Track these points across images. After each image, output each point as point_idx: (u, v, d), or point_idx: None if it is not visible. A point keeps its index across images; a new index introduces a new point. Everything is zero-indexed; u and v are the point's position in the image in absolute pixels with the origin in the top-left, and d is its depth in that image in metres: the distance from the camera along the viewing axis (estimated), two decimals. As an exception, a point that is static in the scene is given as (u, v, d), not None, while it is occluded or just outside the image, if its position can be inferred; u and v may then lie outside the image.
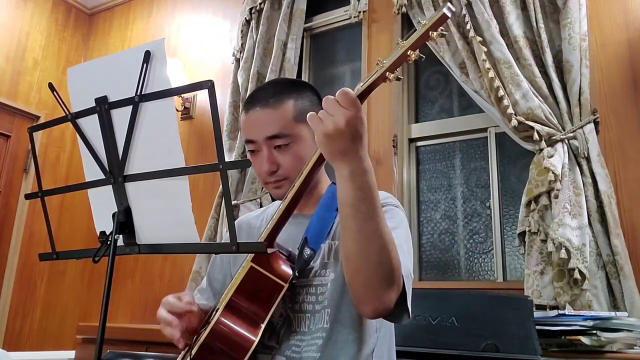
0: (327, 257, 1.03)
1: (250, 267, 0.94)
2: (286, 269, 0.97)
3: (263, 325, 0.93)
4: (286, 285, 0.95)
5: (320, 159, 0.92)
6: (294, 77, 2.62)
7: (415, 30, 0.83)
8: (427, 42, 0.87)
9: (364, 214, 0.83)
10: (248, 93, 2.66)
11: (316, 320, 0.99)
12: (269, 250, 0.96)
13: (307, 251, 1.00)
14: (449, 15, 0.80)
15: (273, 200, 1.61)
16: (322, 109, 0.83)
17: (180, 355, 1.03)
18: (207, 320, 0.97)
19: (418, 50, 0.82)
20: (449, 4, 0.80)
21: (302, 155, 1.05)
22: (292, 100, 1.08)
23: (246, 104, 1.13)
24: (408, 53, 0.82)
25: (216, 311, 0.95)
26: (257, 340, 0.91)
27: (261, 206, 2.44)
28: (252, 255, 0.97)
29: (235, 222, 1.25)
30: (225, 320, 0.92)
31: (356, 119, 0.81)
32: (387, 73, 0.83)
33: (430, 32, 0.81)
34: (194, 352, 0.91)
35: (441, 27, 0.81)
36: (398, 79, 0.83)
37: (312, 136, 0.98)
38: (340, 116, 0.80)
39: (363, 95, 0.85)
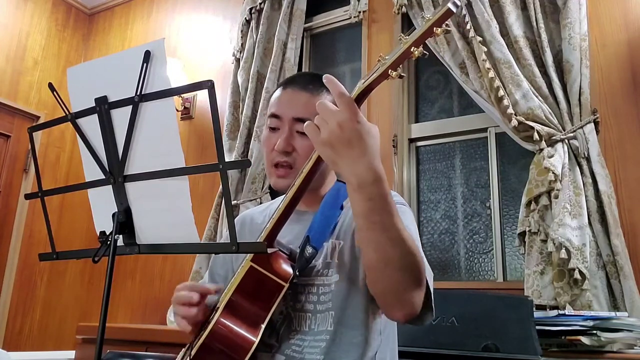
0: (330, 257, 1.02)
1: (250, 267, 0.93)
2: (287, 268, 0.95)
3: (263, 326, 0.92)
4: (287, 285, 0.94)
5: (320, 159, 0.89)
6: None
7: (419, 25, 0.80)
8: (427, 41, 0.84)
9: (378, 224, 0.79)
10: (248, 93, 2.67)
11: (319, 321, 0.98)
12: (269, 250, 0.95)
13: (309, 250, 0.99)
14: (454, 10, 0.75)
15: (273, 198, 1.61)
16: None
17: (179, 356, 1.03)
18: (207, 320, 0.96)
19: (421, 46, 0.78)
20: None
21: None
22: (328, 95, 1.06)
23: (284, 83, 1.12)
24: (411, 50, 0.78)
25: (216, 311, 0.94)
26: (257, 340, 0.90)
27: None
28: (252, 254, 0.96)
29: (239, 216, 1.24)
30: (225, 321, 0.91)
31: (351, 122, 0.76)
32: (390, 70, 0.79)
33: (435, 28, 0.77)
34: (193, 352, 0.90)
35: (446, 23, 0.77)
36: (401, 76, 0.79)
37: None
38: (333, 121, 0.77)
39: (364, 94, 0.82)
